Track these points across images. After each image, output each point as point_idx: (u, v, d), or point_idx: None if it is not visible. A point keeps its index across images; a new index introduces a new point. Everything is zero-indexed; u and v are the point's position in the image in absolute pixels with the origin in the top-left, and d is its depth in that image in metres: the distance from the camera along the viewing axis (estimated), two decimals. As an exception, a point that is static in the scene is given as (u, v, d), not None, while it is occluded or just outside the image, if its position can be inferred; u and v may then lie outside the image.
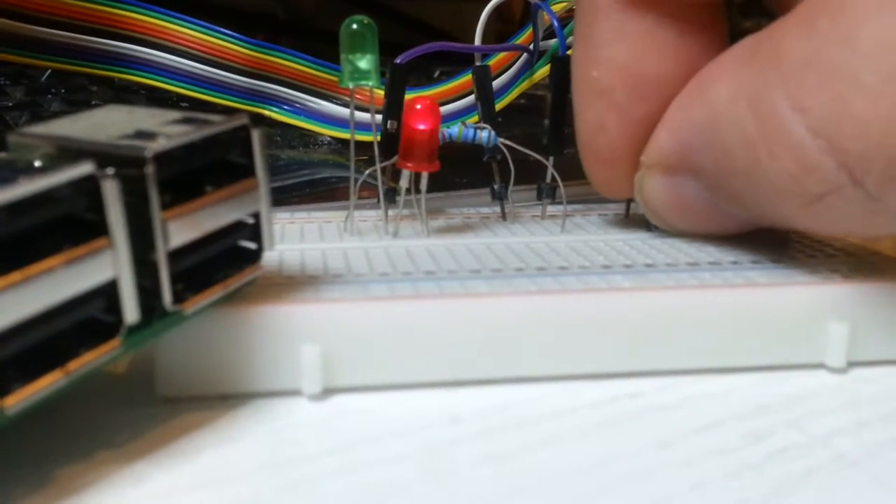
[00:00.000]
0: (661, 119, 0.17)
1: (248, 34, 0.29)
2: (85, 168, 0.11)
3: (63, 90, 0.31)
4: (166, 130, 0.12)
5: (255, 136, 0.13)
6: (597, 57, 0.18)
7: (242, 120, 0.13)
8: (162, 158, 0.12)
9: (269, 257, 0.14)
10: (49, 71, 0.30)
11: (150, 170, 0.12)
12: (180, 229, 0.12)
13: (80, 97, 0.30)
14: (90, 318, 0.12)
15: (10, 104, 0.29)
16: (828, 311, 0.16)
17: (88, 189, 0.11)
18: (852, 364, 0.16)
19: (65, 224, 0.11)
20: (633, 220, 0.20)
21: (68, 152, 0.12)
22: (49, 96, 0.30)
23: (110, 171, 0.11)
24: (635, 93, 0.17)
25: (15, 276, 0.10)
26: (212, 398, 0.14)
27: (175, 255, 0.12)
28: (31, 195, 0.11)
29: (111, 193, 0.11)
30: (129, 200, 0.12)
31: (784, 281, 0.16)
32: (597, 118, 0.18)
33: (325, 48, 0.27)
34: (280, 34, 0.47)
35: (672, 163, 0.17)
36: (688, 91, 0.17)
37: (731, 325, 0.15)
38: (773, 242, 0.18)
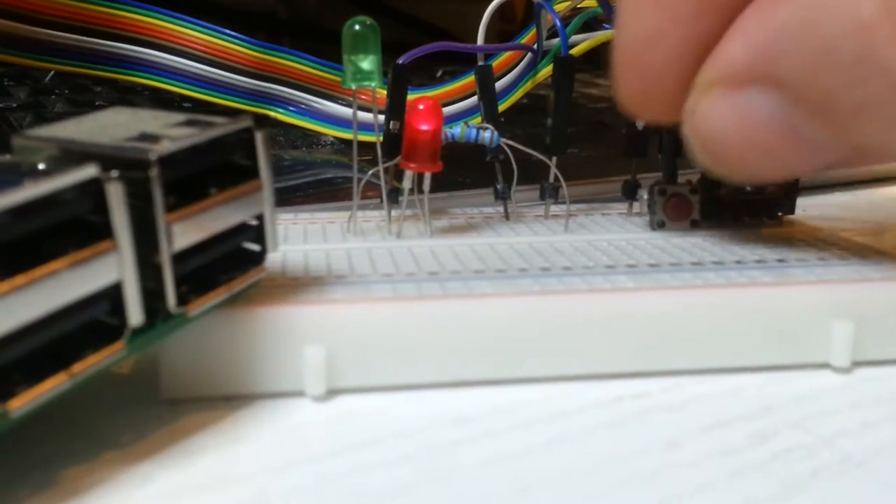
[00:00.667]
0: (726, 32, 0.15)
1: (249, 34, 0.29)
2: (89, 171, 0.11)
3: (67, 91, 0.31)
4: (170, 133, 0.12)
5: (259, 137, 0.13)
6: None
7: (246, 122, 0.13)
8: (166, 161, 0.12)
9: (273, 258, 0.14)
10: (52, 72, 0.30)
11: (154, 172, 0.12)
12: (184, 231, 0.12)
13: (83, 98, 0.30)
14: (94, 321, 0.12)
15: (14, 105, 0.29)
16: (832, 310, 0.16)
17: (93, 192, 0.11)
18: (857, 364, 0.16)
19: (69, 227, 0.11)
20: (637, 219, 0.20)
21: (72, 155, 0.12)
22: (53, 97, 0.30)
23: (114, 173, 0.11)
24: (704, 5, 0.16)
25: (20, 279, 0.10)
26: (216, 399, 0.14)
27: (179, 258, 0.12)
28: (35, 198, 0.11)
29: (115, 196, 0.11)
30: (133, 203, 0.12)
31: (788, 280, 0.16)
32: (652, 30, 0.16)
33: (327, 48, 0.27)
34: (281, 34, 0.47)
35: (743, 75, 0.15)
36: None
37: (735, 324, 0.15)
38: (777, 242, 0.18)
